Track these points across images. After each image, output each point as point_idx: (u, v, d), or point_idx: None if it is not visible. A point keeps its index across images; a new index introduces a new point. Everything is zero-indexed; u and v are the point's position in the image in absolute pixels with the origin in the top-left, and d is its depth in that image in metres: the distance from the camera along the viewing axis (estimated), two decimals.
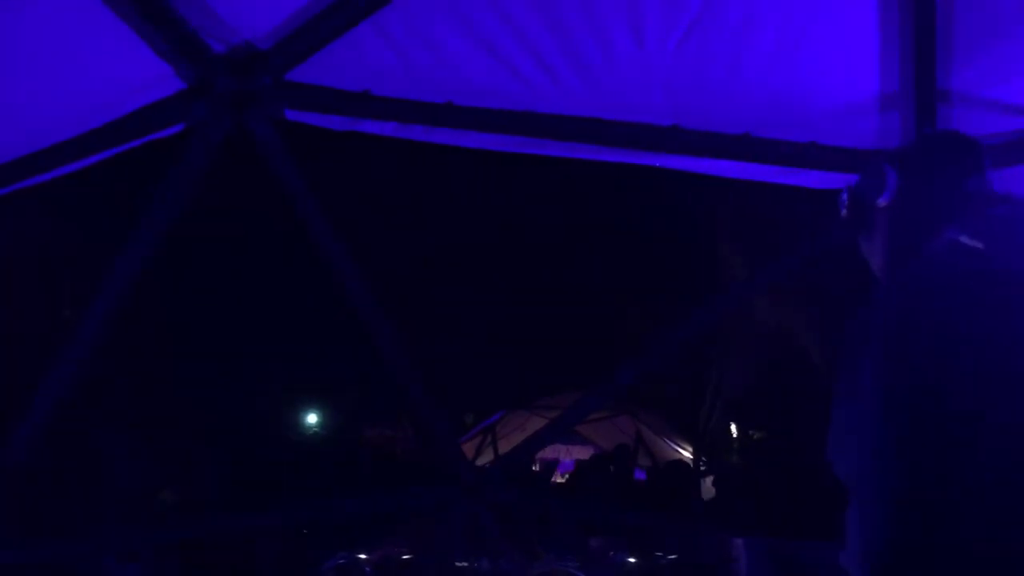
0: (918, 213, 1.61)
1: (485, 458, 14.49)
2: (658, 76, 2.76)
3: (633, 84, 2.81)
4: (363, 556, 6.50)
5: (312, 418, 18.37)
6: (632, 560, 6.42)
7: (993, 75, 2.66)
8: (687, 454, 15.53)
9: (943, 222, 1.53)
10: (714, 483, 10.17)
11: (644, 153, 3.13)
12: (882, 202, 1.65)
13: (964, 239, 1.49)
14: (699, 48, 2.63)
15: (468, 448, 14.44)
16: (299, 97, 2.81)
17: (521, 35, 2.57)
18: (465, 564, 6.24)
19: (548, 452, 14.48)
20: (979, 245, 1.47)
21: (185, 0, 2.34)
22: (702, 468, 14.09)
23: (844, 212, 1.75)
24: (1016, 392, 1.31)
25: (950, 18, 2.49)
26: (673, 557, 6.28)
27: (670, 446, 15.70)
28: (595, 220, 18.21)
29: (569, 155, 3.16)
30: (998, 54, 2.59)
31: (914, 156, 1.70)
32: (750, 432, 15.75)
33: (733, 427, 16.37)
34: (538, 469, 14.12)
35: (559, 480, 13.07)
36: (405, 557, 6.52)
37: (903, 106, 2.68)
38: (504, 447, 14.81)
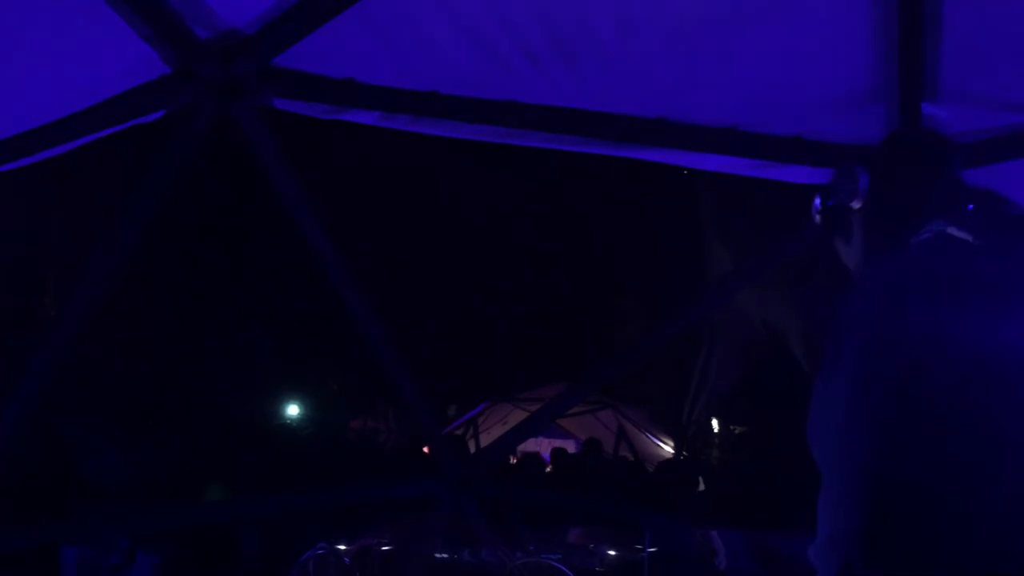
0: (891, 214, 1.61)
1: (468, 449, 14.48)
2: (645, 68, 2.76)
3: (620, 76, 2.81)
4: (342, 547, 6.49)
5: (295, 409, 18.32)
6: (612, 552, 6.44)
7: (980, 69, 2.67)
8: (669, 448, 15.58)
9: (918, 221, 1.53)
10: (694, 477, 10.21)
11: (630, 146, 3.13)
12: (855, 204, 1.64)
13: (952, 230, 1.49)
14: (687, 40, 2.62)
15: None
16: (284, 84, 2.79)
17: (507, 24, 2.56)
18: (446, 555, 6.24)
19: (530, 445, 14.48)
20: (967, 237, 1.48)
21: None
22: (682, 458, 14.14)
23: (817, 217, 1.75)
24: (990, 385, 1.31)
25: (937, 11, 2.49)
26: (653, 550, 6.31)
27: (652, 440, 15.75)
28: (581, 213, 18.22)
29: (554, 147, 3.15)
30: (986, 49, 2.60)
31: (883, 157, 1.70)
32: (731, 427, 15.80)
33: (715, 422, 16.41)
34: (518, 462, 14.14)
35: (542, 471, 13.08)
36: (384, 548, 6.51)
37: (888, 101, 2.69)
38: (486, 440, 14.84)
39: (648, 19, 2.54)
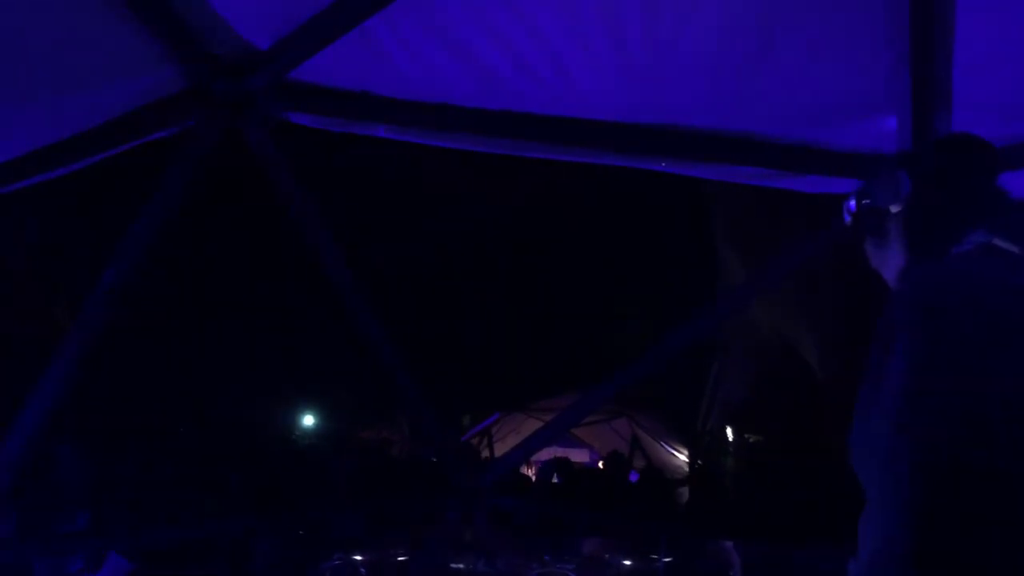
0: (932, 220, 1.56)
1: None
2: (654, 80, 2.76)
3: (625, 88, 2.81)
4: (359, 557, 6.50)
5: (308, 420, 18.35)
6: (627, 563, 6.42)
7: (989, 78, 2.66)
8: (683, 457, 15.51)
9: (961, 226, 1.48)
10: (709, 486, 10.17)
11: (643, 157, 3.14)
12: (895, 208, 1.59)
13: (998, 241, 1.46)
14: (703, 53, 2.63)
15: None
16: (296, 99, 2.81)
17: (523, 37, 2.57)
18: (461, 566, 6.23)
19: (544, 455, 14.47)
20: (1014, 248, 1.44)
21: (184, 1, 2.34)
22: (697, 467, 14.09)
23: (848, 218, 1.68)
24: None
25: (950, 22, 2.49)
26: (668, 560, 6.28)
27: (666, 449, 15.69)
28: (595, 222, 18.20)
29: (566, 158, 3.16)
30: (998, 56, 2.60)
31: (928, 160, 1.63)
32: (746, 436, 15.73)
33: (729, 431, 16.35)
34: (534, 472, 14.12)
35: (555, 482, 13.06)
36: (400, 559, 6.51)
37: (901, 110, 2.68)
38: (500, 449, 14.81)
39: (671, 32, 2.55)
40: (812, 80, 2.73)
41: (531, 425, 14.11)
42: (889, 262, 1.63)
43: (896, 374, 1.33)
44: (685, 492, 10.52)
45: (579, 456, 15.38)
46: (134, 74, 2.59)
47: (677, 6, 2.46)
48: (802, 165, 3.06)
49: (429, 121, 2.94)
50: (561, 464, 11.01)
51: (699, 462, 14.91)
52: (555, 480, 10.10)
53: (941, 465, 1.27)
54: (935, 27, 2.48)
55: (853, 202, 1.69)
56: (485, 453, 14.87)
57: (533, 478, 12.08)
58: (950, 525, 1.25)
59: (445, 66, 2.70)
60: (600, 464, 12.77)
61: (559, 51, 2.63)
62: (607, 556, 6.64)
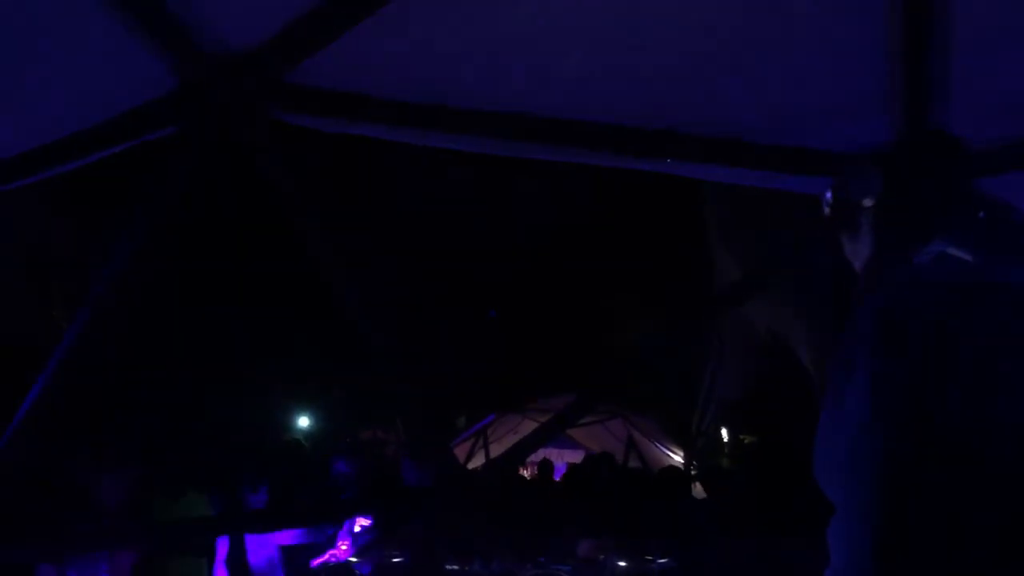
0: (904, 215, 1.58)
1: (477, 461, 14.49)
2: (652, 81, 2.77)
3: (626, 88, 2.82)
4: (354, 559, 6.49)
5: (304, 421, 18.33)
6: (623, 564, 6.42)
7: (986, 78, 2.67)
8: (678, 458, 15.53)
9: (931, 225, 1.51)
10: (705, 486, 10.17)
11: (637, 158, 3.14)
12: (867, 202, 1.61)
13: (952, 251, 1.48)
14: (688, 51, 2.63)
15: (460, 451, 14.42)
16: (292, 98, 2.80)
17: (514, 38, 2.58)
18: (456, 567, 6.23)
19: (539, 456, 14.46)
20: (967, 256, 1.46)
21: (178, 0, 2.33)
22: (692, 471, 14.10)
23: (827, 210, 1.71)
24: (1003, 407, 1.29)
25: (941, 20, 2.49)
26: (664, 561, 6.29)
27: (661, 450, 15.71)
28: (589, 223, 18.21)
29: (562, 159, 3.16)
30: (990, 57, 2.60)
31: (900, 156, 1.67)
32: (741, 437, 15.74)
33: (724, 432, 16.37)
34: (529, 473, 14.11)
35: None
36: (395, 560, 6.51)
37: (891, 111, 2.68)
38: (496, 450, 14.81)
39: (655, 32, 2.55)
40: (805, 80, 2.74)
41: (527, 426, 14.12)
42: (859, 255, 1.65)
43: (859, 389, 1.34)
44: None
45: (573, 457, 15.39)
46: (126, 74, 2.59)
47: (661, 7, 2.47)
48: (795, 166, 3.06)
49: (426, 122, 2.94)
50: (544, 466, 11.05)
51: (694, 463, 14.94)
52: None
53: (900, 479, 1.28)
54: (926, 27, 2.48)
55: (830, 194, 1.71)
56: (481, 454, 14.86)
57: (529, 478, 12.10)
58: (908, 537, 1.26)
59: (443, 67, 2.70)
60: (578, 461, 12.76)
61: (559, 52, 2.63)
62: (602, 557, 6.64)
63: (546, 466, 11.62)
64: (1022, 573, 1.22)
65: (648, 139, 3.00)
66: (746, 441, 15.36)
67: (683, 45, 2.59)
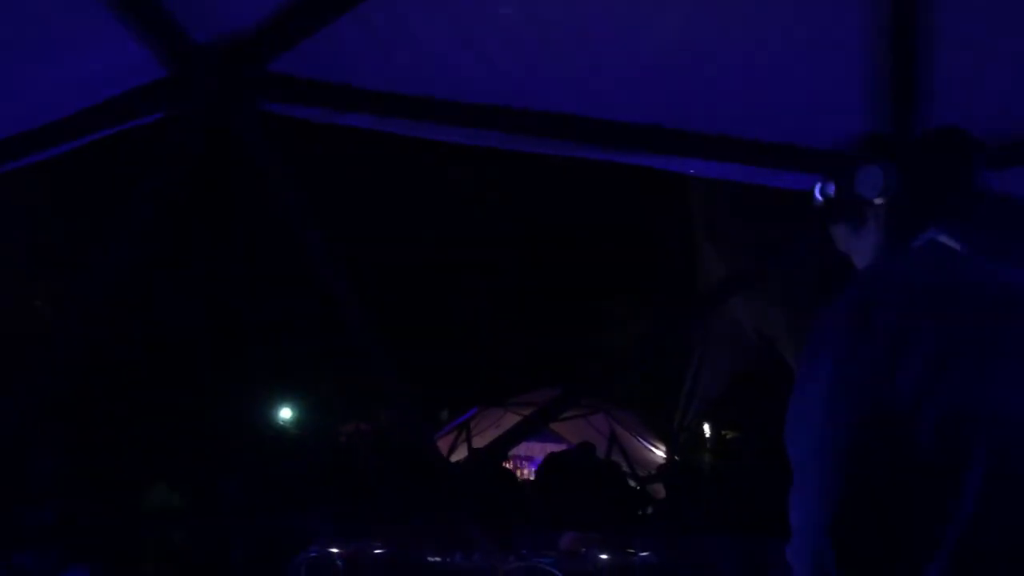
0: (912, 210, 1.57)
1: (459, 454, 14.47)
2: (640, 75, 2.77)
3: (615, 82, 2.82)
4: (335, 550, 6.48)
5: (287, 413, 18.29)
6: (605, 557, 6.45)
7: (974, 75, 2.68)
8: (661, 453, 15.58)
9: (934, 218, 1.51)
10: (688, 482, 10.21)
11: (624, 152, 3.15)
12: (879, 200, 1.59)
13: (943, 239, 1.50)
14: (681, 49, 2.64)
15: (443, 444, 14.42)
16: (280, 88, 2.80)
17: (503, 31, 2.58)
18: (438, 559, 6.24)
19: (522, 449, 14.49)
20: (956, 246, 1.48)
21: None
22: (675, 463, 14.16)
23: (820, 199, 1.69)
24: (954, 400, 1.33)
25: (931, 20, 2.51)
26: (646, 555, 6.32)
27: (644, 445, 15.75)
28: (573, 217, 18.23)
29: (549, 152, 3.17)
30: (980, 53, 2.62)
31: (916, 151, 1.64)
32: (723, 432, 15.82)
33: (707, 427, 16.43)
34: (511, 466, 14.14)
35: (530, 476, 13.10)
36: (377, 552, 6.51)
37: (881, 107, 2.70)
38: (478, 443, 14.81)
39: (643, 29, 2.56)
40: (796, 77, 2.75)
41: (510, 420, 14.11)
42: (861, 250, 1.65)
43: (824, 375, 1.39)
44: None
45: (557, 451, 15.41)
46: (115, 62, 2.58)
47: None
48: (785, 162, 3.08)
49: (414, 113, 2.94)
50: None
51: (676, 458, 14.99)
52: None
53: (859, 457, 1.35)
54: (917, 23, 2.50)
55: (832, 186, 1.68)
56: (464, 447, 14.86)
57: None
58: (862, 504, 1.34)
59: (432, 58, 2.70)
60: None
61: (557, 45, 2.63)
62: (584, 550, 6.66)
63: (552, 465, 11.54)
64: (986, 543, 1.28)
65: (640, 133, 3.01)
66: (728, 437, 15.44)
67: (675, 40, 2.60)
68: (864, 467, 1.34)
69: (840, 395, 1.38)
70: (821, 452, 1.38)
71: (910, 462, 1.33)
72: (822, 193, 1.70)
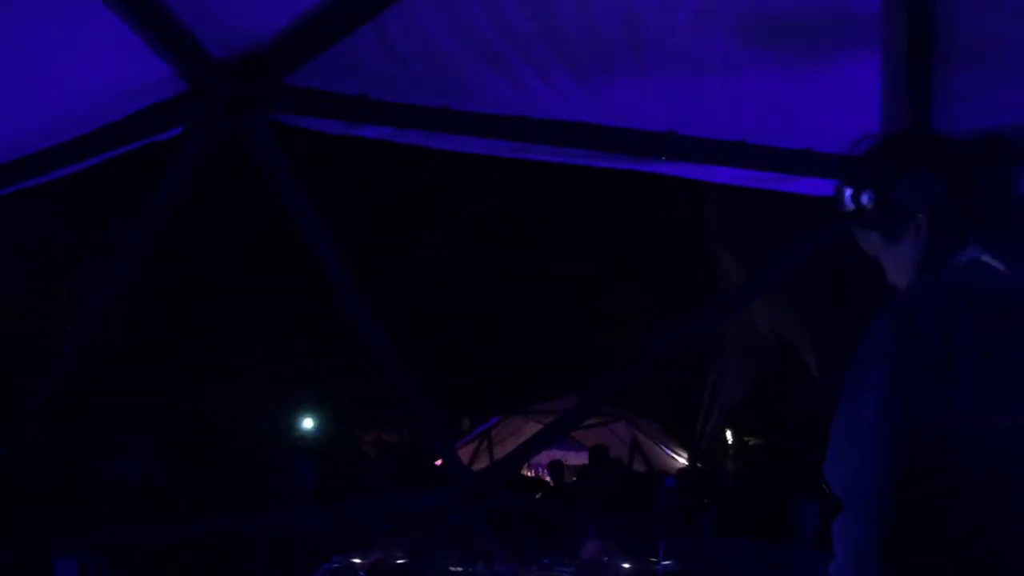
0: (953, 222, 1.51)
1: (481, 463, 14.47)
2: (655, 82, 2.77)
3: (629, 90, 2.82)
4: (357, 560, 6.49)
5: (308, 423, 18.34)
6: (627, 565, 6.42)
7: (991, 79, 2.66)
8: (683, 460, 15.52)
9: (974, 231, 1.47)
10: (708, 488, 10.16)
11: (640, 159, 3.14)
12: (920, 210, 1.52)
13: (986, 258, 1.46)
14: (696, 54, 2.64)
15: (464, 453, 14.42)
16: (296, 101, 2.81)
17: (518, 40, 2.58)
18: (460, 569, 6.23)
19: (543, 457, 14.46)
20: (999, 265, 1.45)
21: (184, 3, 2.34)
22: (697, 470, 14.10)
23: (850, 204, 1.60)
24: (1010, 415, 1.31)
25: (949, 23, 2.49)
26: (668, 563, 6.28)
27: (666, 452, 15.70)
28: (594, 224, 18.22)
29: (565, 161, 3.17)
30: (996, 58, 2.60)
31: (957, 158, 1.56)
32: (745, 439, 15.74)
33: (729, 434, 16.36)
34: (533, 474, 14.12)
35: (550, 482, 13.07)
36: (400, 562, 6.51)
37: (896, 112, 2.68)
38: (500, 452, 14.80)
39: (658, 34, 2.56)
40: (801, 80, 2.74)
41: (531, 428, 14.10)
42: (898, 258, 1.59)
43: (872, 389, 1.36)
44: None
45: (577, 459, 15.38)
46: (132, 77, 2.60)
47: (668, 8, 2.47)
48: (800, 167, 3.06)
49: (431, 124, 2.94)
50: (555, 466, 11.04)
51: (698, 465, 14.93)
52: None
53: (910, 479, 1.31)
54: (934, 24, 2.48)
55: (866, 196, 1.60)
56: (485, 456, 14.86)
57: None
58: (914, 530, 1.29)
59: (446, 69, 2.71)
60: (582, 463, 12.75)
61: (572, 54, 2.63)
62: (606, 559, 6.63)
63: (557, 467, 11.61)
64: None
65: (655, 141, 3.01)
66: (750, 443, 15.36)
67: (688, 45, 2.60)
68: (918, 493, 1.29)
69: (892, 419, 1.33)
70: (872, 478, 1.33)
71: (964, 485, 1.29)
72: (854, 199, 1.62)
